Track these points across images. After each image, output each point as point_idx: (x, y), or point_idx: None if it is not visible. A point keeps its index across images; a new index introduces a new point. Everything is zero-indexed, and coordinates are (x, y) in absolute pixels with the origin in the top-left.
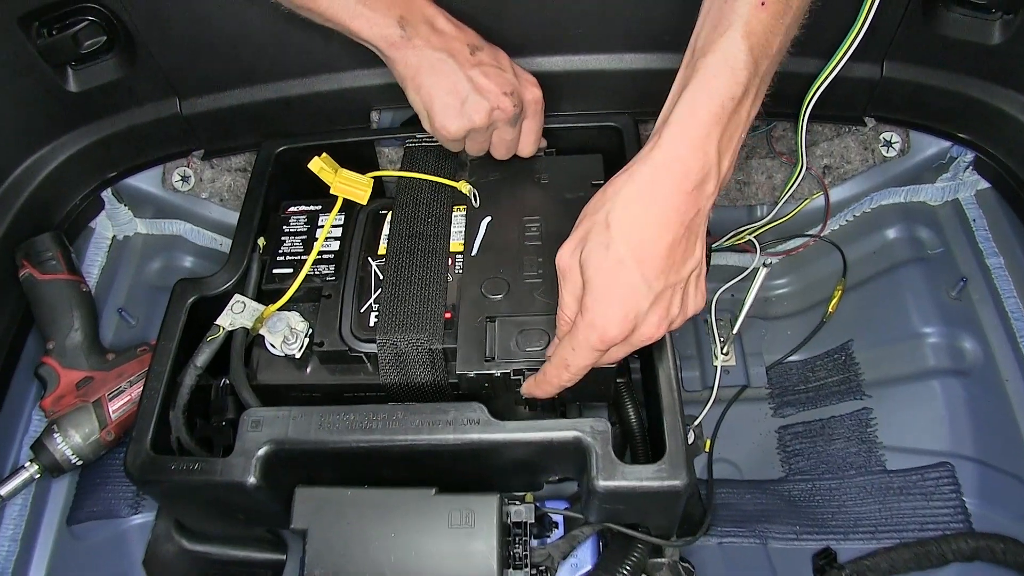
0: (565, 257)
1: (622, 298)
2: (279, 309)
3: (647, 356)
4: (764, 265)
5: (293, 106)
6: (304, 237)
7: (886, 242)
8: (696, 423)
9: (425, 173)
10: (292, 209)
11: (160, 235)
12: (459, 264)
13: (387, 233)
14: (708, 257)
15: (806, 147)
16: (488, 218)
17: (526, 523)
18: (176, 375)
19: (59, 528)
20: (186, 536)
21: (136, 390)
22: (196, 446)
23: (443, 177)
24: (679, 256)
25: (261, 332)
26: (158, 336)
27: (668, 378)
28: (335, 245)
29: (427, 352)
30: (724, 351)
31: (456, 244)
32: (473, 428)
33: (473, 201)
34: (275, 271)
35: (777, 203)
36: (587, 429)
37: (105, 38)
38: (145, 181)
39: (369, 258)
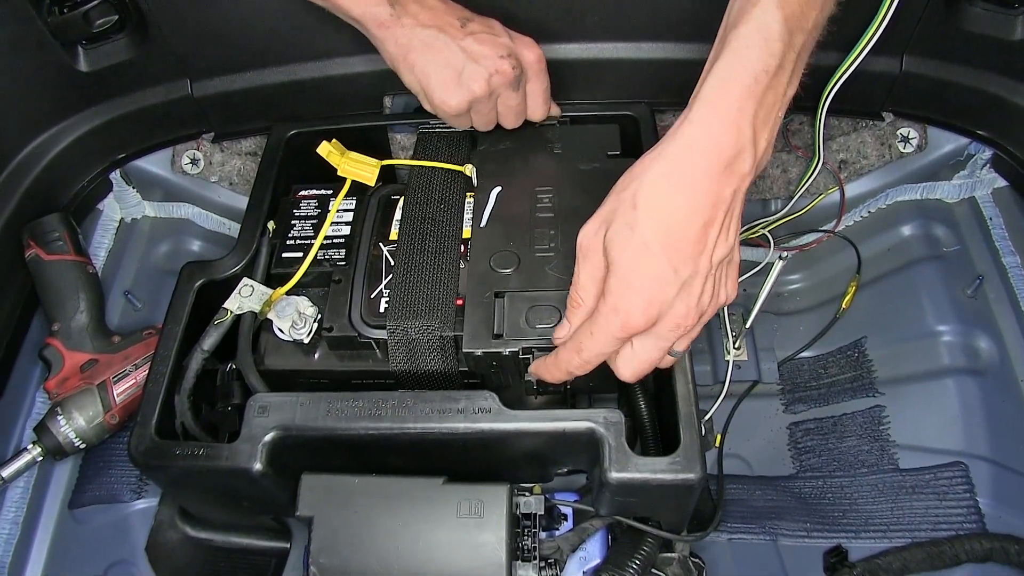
0: (588, 235)
1: (646, 284)
2: (288, 293)
3: None
4: (780, 259)
5: (305, 90)
6: (315, 221)
7: (901, 239)
8: (707, 418)
9: (438, 159)
10: (303, 193)
11: (168, 218)
12: (470, 252)
13: (399, 218)
14: None
15: (823, 141)
16: (498, 188)
17: (536, 515)
18: (182, 359)
19: (60, 512)
20: (189, 523)
21: (141, 373)
22: (201, 431)
23: (457, 163)
24: (711, 241)
25: (269, 316)
26: (164, 319)
27: (683, 369)
28: (346, 230)
29: (438, 339)
30: (736, 346)
31: (469, 231)
32: (484, 417)
33: (472, 181)
34: (284, 255)
35: (792, 197)
36: (600, 420)
37: (117, 17)
38: (154, 163)
39: (380, 243)
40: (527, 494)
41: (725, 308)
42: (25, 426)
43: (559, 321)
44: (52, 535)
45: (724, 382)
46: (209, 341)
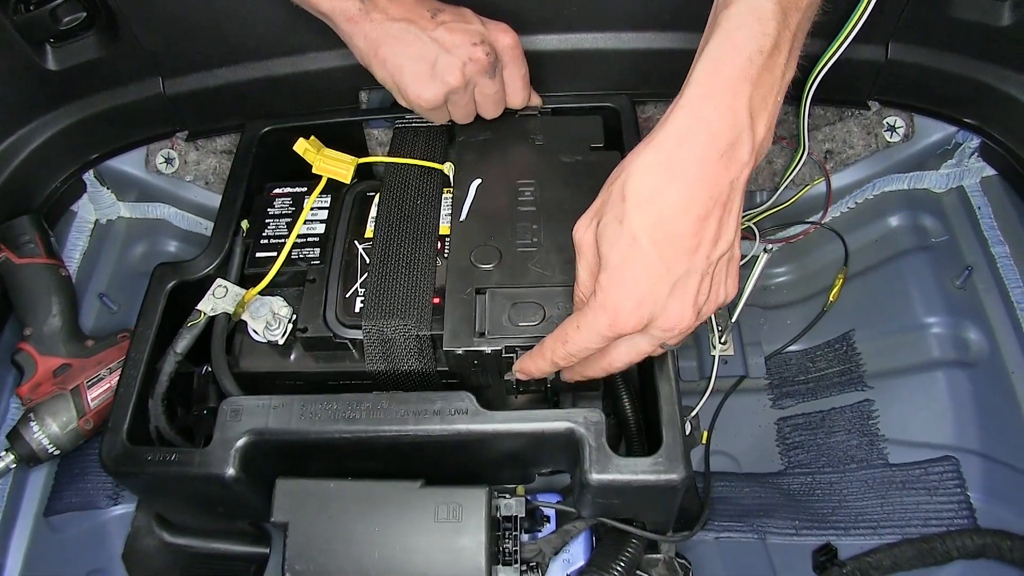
0: (581, 230)
1: (637, 282)
2: (262, 293)
3: None
4: (765, 251)
5: (279, 86)
6: (289, 220)
7: (889, 230)
8: (693, 414)
9: (415, 155)
10: (277, 191)
11: (144, 219)
12: (447, 249)
13: (375, 215)
14: None
15: (808, 131)
16: (478, 181)
17: (516, 517)
18: (155, 363)
19: (36, 519)
20: (167, 529)
21: (115, 378)
22: (176, 435)
23: (434, 159)
24: (708, 236)
25: (243, 317)
26: (136, 322)
27: (666, 367)
28: (320, 228)
29: (414, 339)
30: (722, 340)
31: (446, 227)
32: (461, 418)
33: (450, 178)
34: (258, 255)
35: (777, 189)
36: (580, 420)
37: (85, 14)
38: (128, 163)
39: (355, 241)
40: (507, 496)
41: None
42: None
43: (543, 320)
44: (28, 543)
45: (710, 378)
46: (182, 344)
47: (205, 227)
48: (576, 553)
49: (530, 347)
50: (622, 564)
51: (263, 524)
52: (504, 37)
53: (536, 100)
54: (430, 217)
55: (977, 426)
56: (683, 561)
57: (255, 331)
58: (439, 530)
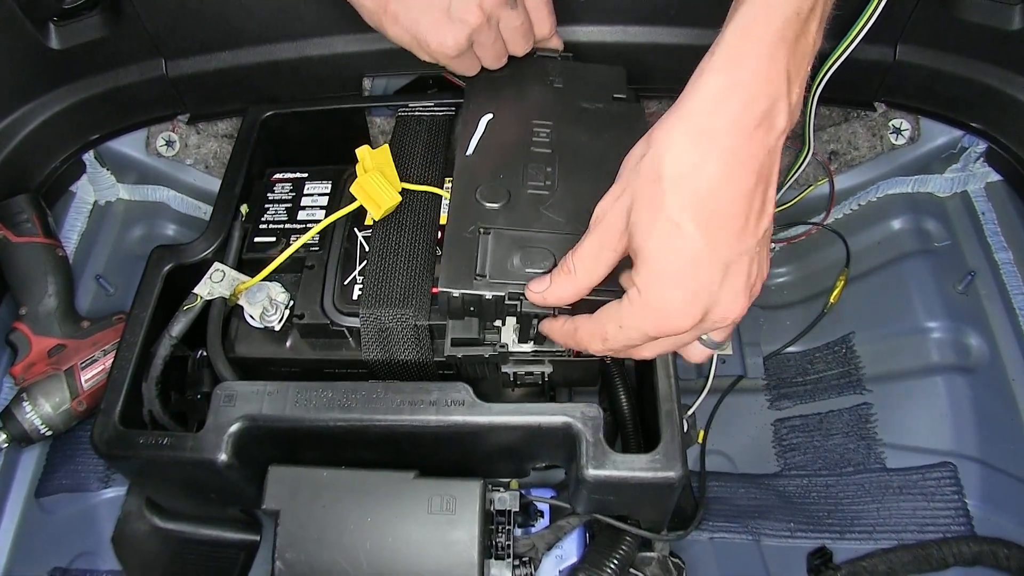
0: (605, 208)
1: (684, 273)
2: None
3: None
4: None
5: (282, 71)
6: (288, 205)
7: (891, 233)
8: (689, 413)
9: (417, 143)
10: (277, 176)
11: (143, 201)
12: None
13: None
14: None
15: (813, 131)
16: (489, 116)
17: (510, 511)
18: (150, 346)
19: (27, 500)
20: (157, 513)
21: (110, 360)
22: (170, 419)
23: (438, 146)
24: (754, 212)
25: (240, 302)
26: (131, 304)
27: (665, 363)
28: (320, 215)
29: (412, 328)
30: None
31: (446, 218)
32: (457, 409)
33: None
34: (257, 240)
35: (780, 188)
36: (577, 415)
37: None
38: (128, 145)
39: (355, 229)
40: (501, 490)
41: None
42: None
43: (553, 267)
44: (17, 524)
45: (708, 376)
46: (178, 327)
47: (204, 211)
48: (569, 549)
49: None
50: (615, 562)
51: (254, 511)
52: None
53: (557, 43)
54: (431, 207)
55: (976, 432)
56: (677, 560)
57: (252, 316)
58: (432, 522)
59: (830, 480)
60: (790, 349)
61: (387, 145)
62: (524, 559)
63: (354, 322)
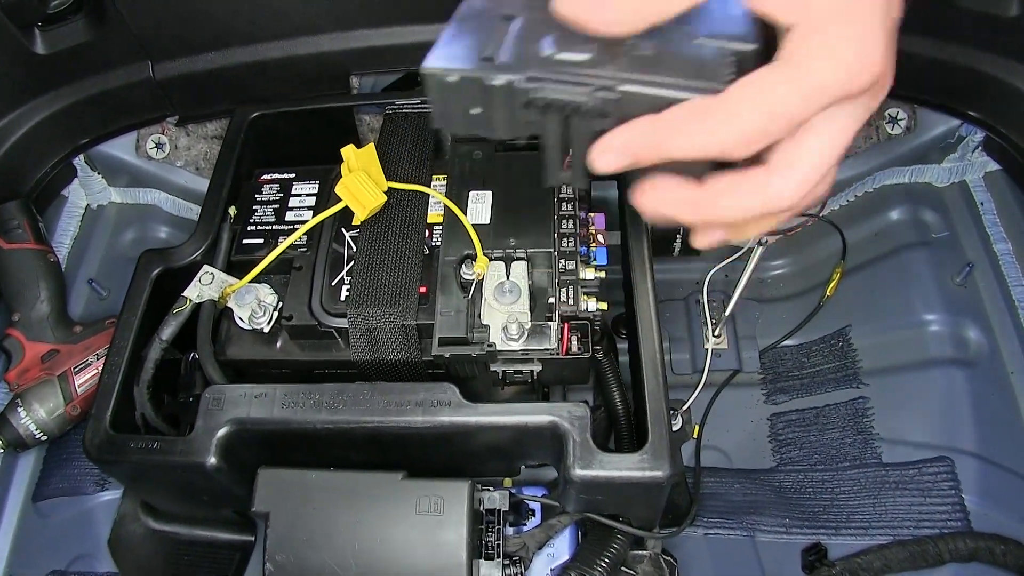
0: None
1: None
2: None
3: (634, 336)
4: (759, 244)
5: (269, 71)
6: (276, 207)
7: (888, 224)
8: (684, 408)
9: (405, 140)
10: (265, 177)
11: (134, 204)
12: (437, 236)
13: None
14: None
15: None
16: None
17: (500, 511)
18: (140, 350)
19: (24, 505)
20: (152, 516)
21: (103, 364)
22: (162, 422)
23: (424, 144)
24: None
25: (229, 305)
26: (121, 309)
27: (653, 360)
28: (308, 215)
29: (400, 328)
30: (716, 333)
31: (434, 215)
32: (443, 410)
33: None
34: (245, 242)
35: None
36: (564, 414)
37: None
38: (118, 148)
39: (343, 228)
40: (491, 489)
41: (705, 294)
42: None
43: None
44: (15, 529)
45: (703, 371)
46: (168, 331)
47: (196, 212)
48: (561, 548)
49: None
50: (606, 560)
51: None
52: None
53: None
54: (419, 205)
55: (973, 427)
56: (669, 559)
57: (241, 319)
58: (420, 523)
59: (826, 475)
60: (786, 343)
61: (373, 144)
62: (514, 558)
63: (342, 323)
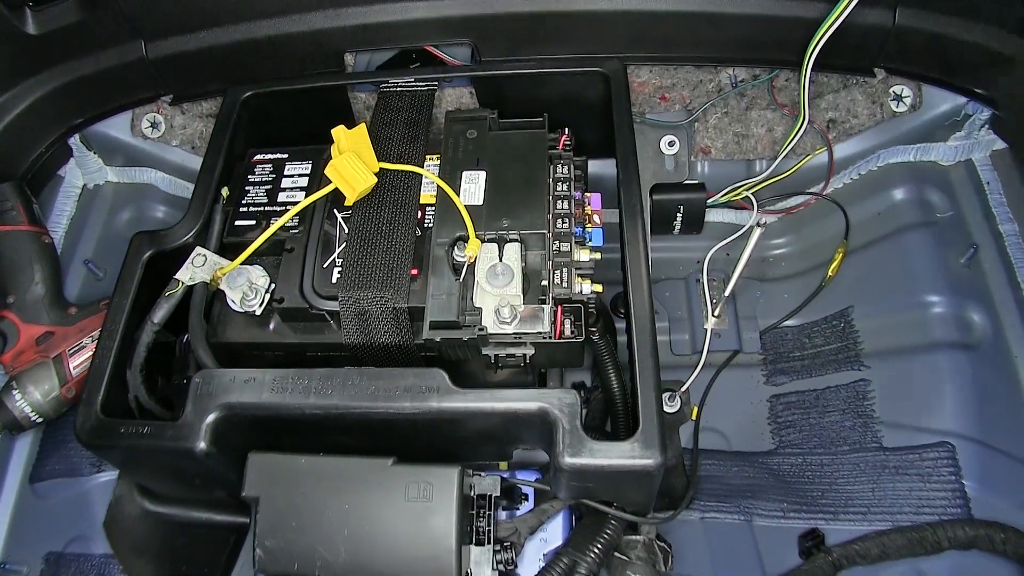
0: None
1: None
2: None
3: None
4: (758, 225)
5: (262, 49)
6: (269, 187)
7: (892, 203)
8: (683, 389)
9: (399, 118)
10: (258, 157)
11: (131, 184)
12: (429, 217)
13: None
14: (702, 213)
15: (810, 99)
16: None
17: (490, 496)
18: (132, 333)
19: (21, 486)
20: (148, 497)
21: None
22: (156, 405)
23: (420, 122)
24: None
25: (220, 287)
26: (112, 292)
27: (645, 345)
28: (301, 196)
29: (391, 311)
30: (716, 313)
31: (427, 196)
32: (432, 396)
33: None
34: (237, 223)
35: (777, 158)
36: (554, 401)
37: None
38: (114, 128)
39: (335, 209)
40: (482, 475)
41: (705, 274)
42: None
43: None
44: (12, 510)
45: (702, 351)
46: (160, 314)
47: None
48: (554, 533)
49: None
50: (599, 546)
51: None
52: None
53: None
54: (412, 186)
55: (976, 411)
56: (663, 545)
57: (233, 301)
58: (409, 509)
59: (825, 459)
60: (787, 323)
61: (364, 124)
62: (505, 544)
63: (333, 306)
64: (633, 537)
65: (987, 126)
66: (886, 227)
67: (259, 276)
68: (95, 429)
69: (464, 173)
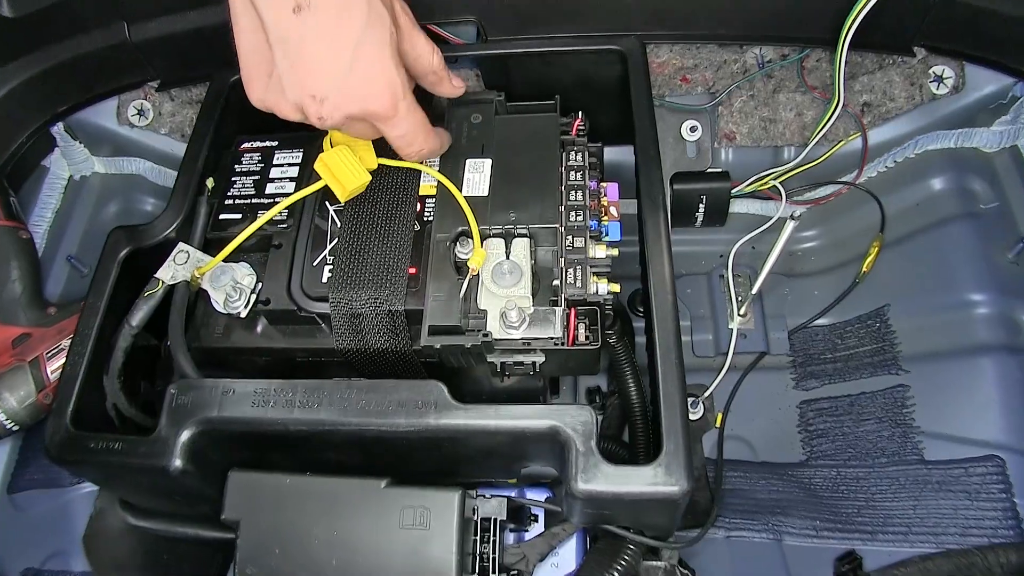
0: None
1: None
2: (226, 260)
3: (650, 320)
4: (792, 218)
5: None
6: (257, 178)
7: (931, 193)
8: (706, 394)
9: None
10: (246, 146)
11: (119, 174)
12: (429, 210)
13: None
14: (726, 203)
15: (844, 80)
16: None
17: (496, 519)
18: (107, 337)
19: None
20: (131, 511)
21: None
22: (138, 413)
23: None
24: None
25: (203, 287)
26: (87, 292)
27: (669, 356)
28: (290, 187)
29: (386, 314)
30: (741, 312)
31: (427, 187)
32: (428, 412)
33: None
34: (223, 216)
35: (807, 144)
36: (567, 419)
37: None
38: (100, 116)
39: (327, 202)
40: (486, 496)
41: (730, 270)
42: None
43: None
44: None
45: (727, 353)
46: (138, 316)
47: None
48: (566, 558)
49: None
50: (616, 573)
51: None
52: None
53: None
54: (410, 177)
55: None
56: (686, 572)
57: (216, 302)
58: (404, 537)
59: (861, 472)
60: (818, 322)
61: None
62: (512, 572)
63: (324, 308)
64: (653, 563)
65: None
66: (925, 219)
67: (245, 275)
68: (65, 443)
69: (467, 161)
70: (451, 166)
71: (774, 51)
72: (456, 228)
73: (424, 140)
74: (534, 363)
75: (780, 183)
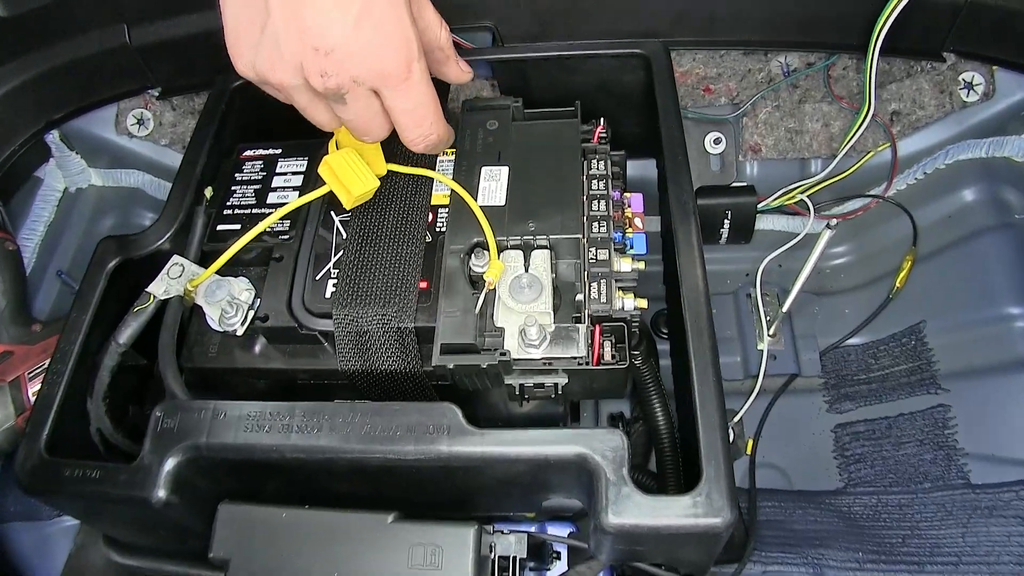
0: None
1: None
2: (222, 273)
3: (680, 341)
4: (828, 227)
5: None
6: (258, 187)
7: (964, 205)
8: (736, 419)
9: None
10: (247, 153)
11: (117, 187)
12: (441, 220)
13: None
14: (752, 219)
15: (874, 88)
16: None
17: (514, 558)
18: (91, 355)
19: None
20: (115, 547)
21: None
22: (125, 439)
23: None
24: None
25: (197, 302)
26: (71, 307)
27: (707, 376)
28: (293, 197)
29: (395, 332)
30: (771, 332)
31: (439, 196)
32: (440, 438)
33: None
34: (220, 227)
35: (835, 156)
36: (595, 444)
37: None
38: (97, 125)
39: (332, 212)
40: (504, 531)
41: (758, 288)
42: None
43: None
44: None
45: (757, 376)
46: (127, 333)
47: None
48: None
49: None
50: None
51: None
52: None
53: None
54: (422, 186)
55: None
56: None
57: (211, 318)
58: None
59: (903, 498)
60: (851, 341)
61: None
62: None
63: (327, 325)
64: None
65: None
66: (958, 231)
67: (242, 289)
68: (37, 471)
69: (483, 169)
70: (465, 174)
71: (799, 59)
72: (471, 239)
73: (435, 121)
74: (556, 385)
75: (808, 197)
